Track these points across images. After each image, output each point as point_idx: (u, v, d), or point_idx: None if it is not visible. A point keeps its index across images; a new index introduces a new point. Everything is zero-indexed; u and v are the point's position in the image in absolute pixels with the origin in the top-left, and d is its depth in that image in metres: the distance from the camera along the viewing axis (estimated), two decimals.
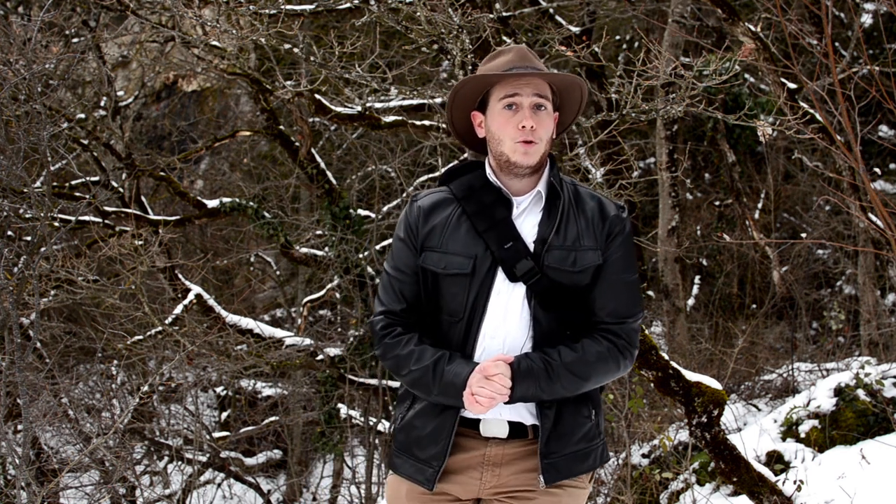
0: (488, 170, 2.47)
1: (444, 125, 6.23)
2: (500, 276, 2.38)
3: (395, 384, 7.32)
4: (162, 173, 8.36)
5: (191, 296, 7.31)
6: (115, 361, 6.99)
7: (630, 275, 2.45)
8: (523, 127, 2.37)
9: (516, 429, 2.40)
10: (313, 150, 8.21)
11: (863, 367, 5.84)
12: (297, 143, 8.31)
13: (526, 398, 2.32)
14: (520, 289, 2.38)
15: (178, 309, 7.15)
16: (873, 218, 5.43)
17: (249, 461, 9.27)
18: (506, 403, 2.33)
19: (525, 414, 2.40)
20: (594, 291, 2.42)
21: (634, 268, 2.48)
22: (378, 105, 6.36)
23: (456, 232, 2.42)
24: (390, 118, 6.16)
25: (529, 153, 2.39)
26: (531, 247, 2.39)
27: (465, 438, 2.40)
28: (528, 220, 2.44)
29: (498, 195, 2.43)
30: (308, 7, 6.49)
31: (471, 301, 2.37)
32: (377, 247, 8.34)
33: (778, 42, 6.90)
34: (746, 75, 9.49)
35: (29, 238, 5.26)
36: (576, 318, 2.41)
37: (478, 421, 2.40)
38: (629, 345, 2.42)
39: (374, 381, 7.62)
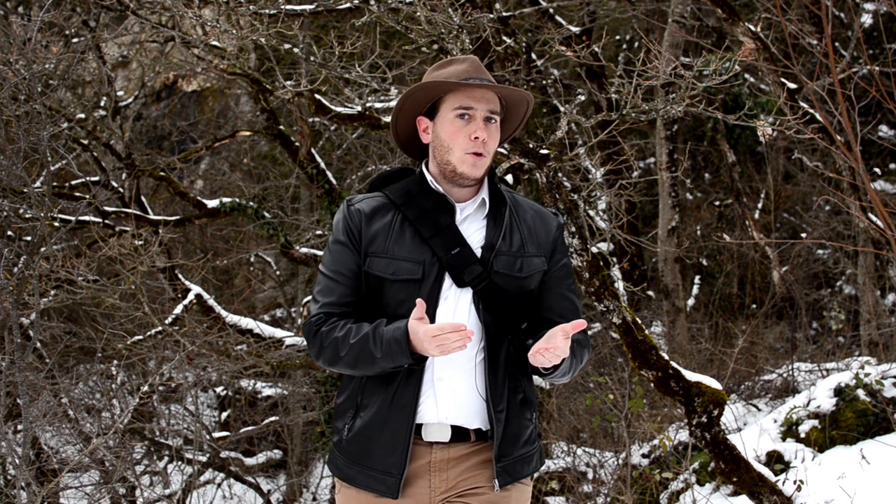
0: (429, 176, 2.47)
1: None
2: (448, 282, 2.39)
3: None
4: (162, 173, 8.36)
5: (191, 296, 7.31)
6: (115, 361, 6.98)
7: (572, 279, 2.55)
8: (476, 138, 2.38)
9: (458, 432, 2.41)
10: (313, 150, 8.21)
11: (863, 367, 5.84)
12: (297, 143, 8.31)
13: (560, 371, 2.36)
14: (467, 294, 2.39)
15: (178, 309, 7.14)
16: (873, 218, 5.43)
17: (249, 461, 9.27)
18: (551, 370, 2.34)
19: (471, 418, 2.40)
20: (545, 299, 2.47)
21: (573, 272, 2.60)
22: (378, 105, 6.36)
23: (401, 238, 2.41)
24: (390, 118, 6.16)
25: (478, 165, 2.41)
26: (478, 252, 2.41)
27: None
28: (471, 227, 2.45)
29: (439, 201, 2.43)
30: (308, 7, 6.49)
31: None
32: None
33: (778, 42, 6.90)
34: (746, 75, 9.48)
35: (29, 238, 5.26)
36: (522, 321, 2.45)
37: (420, 426, 2.39)
38: (588, 341, 2.51)
39: None
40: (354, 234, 2.43)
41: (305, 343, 2.49)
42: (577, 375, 7.39)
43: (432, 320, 2.36)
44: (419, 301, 2.26)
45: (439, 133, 2.44)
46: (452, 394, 2.38)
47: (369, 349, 2.30)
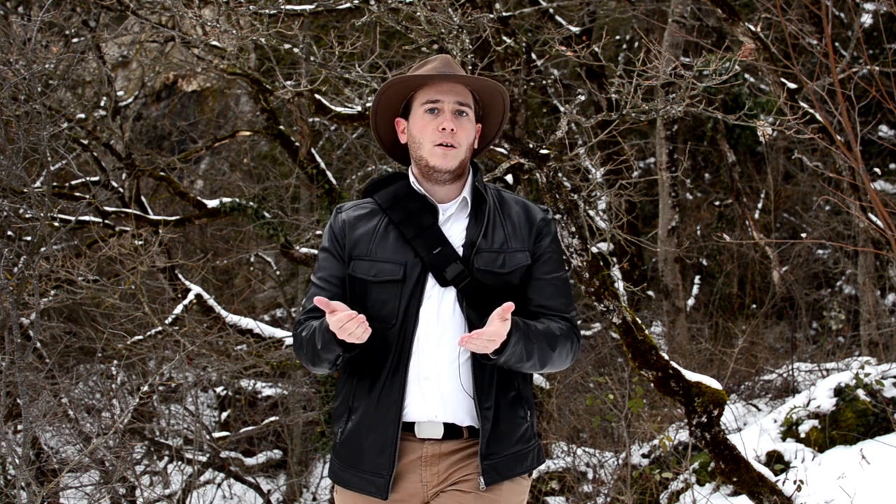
0: (412, 178, 2.50)
1: None
2: (431, 282, 2.40)
3: None
4: (162, 173, 8.36)
5: (191, 296, 7.31)
6: (115, 361, 6.98)
7: (562, 273, 2.52)
8: (443, 129, 2.40)
9: (450, 430, 2.41)
10: (313, 150, 8.21)
11: (863, 367, 5.84)
12: (297, 143, 8.32)
13: (513, 356, 2.31)
14: (450, 293, 2.40)
15: (178, 309, 7.14)
16: (873, 218, 5.43)
17: (249, 461, 9.26)
18: (494, 356, 2.29)
19: (462, 415, 2.40)
20: (530, 292, 2.46)
21: (564, 267, 2.55)
22: None
23: (384, 240, 2.44)
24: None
25: (448, 156, 2.42)
26: (460, 251, 2.42)
27: (401, 442, 2.39)
28: (454, 226, 2.47)
29: (423, 203, 2.46)
30: (308, 7, 6.49)
31: (403, 308, 2.38)
32: None
33: (778, 42, 6.90)
34: (746, 75, 9.49)
35: (29, 238, 5.26)
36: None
37: (412, 424, 2.39)
38: (577, 332, 2.47)
39: None
40: (338, 241, 2.48)
41: None
42: (575, 373, 7.38)
43: (416, 320, 2.38)
44: (318, 300, 2.25)
45: (412, 130, 2.49)
46: (439, 392, 2.38)
47: (315, 342, 2.35)
